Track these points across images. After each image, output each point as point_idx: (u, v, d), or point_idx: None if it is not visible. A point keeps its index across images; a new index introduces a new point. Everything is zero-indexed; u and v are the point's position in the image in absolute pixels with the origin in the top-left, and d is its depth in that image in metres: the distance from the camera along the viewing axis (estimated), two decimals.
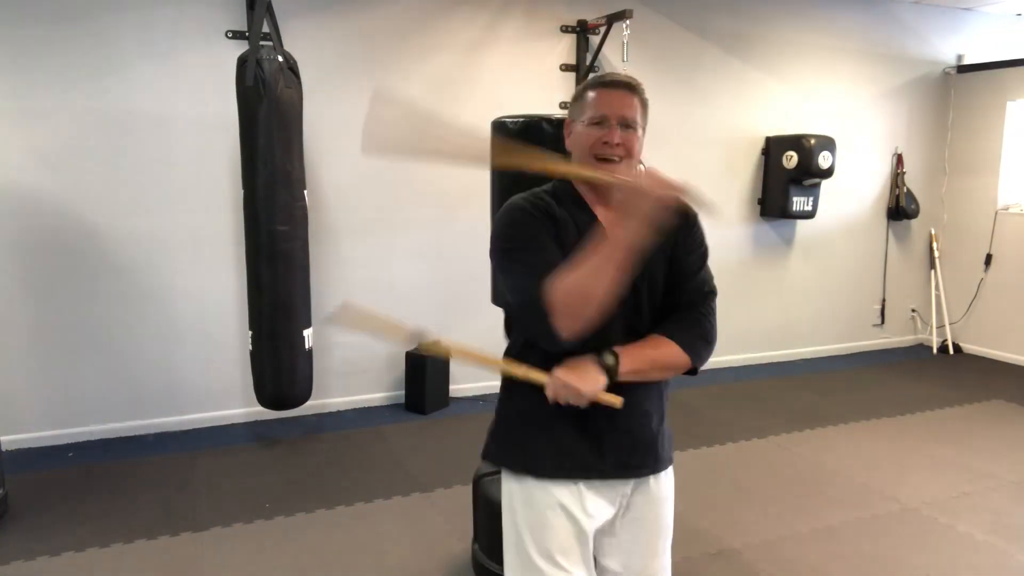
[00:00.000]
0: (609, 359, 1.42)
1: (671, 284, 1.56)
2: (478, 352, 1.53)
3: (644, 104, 1.53)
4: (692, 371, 1.54)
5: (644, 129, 1.54)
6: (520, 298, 1.45)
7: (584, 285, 1.33)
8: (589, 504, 1.53)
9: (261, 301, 3.55)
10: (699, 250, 1.59)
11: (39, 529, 2.98)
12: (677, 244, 1.56)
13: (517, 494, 1.56)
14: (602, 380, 1.40)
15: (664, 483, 1.62)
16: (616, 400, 1.42)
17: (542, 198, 1.54)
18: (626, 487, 1.57)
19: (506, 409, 1.61)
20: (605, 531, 1.58)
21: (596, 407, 1.43)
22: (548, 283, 1.35)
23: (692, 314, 1.53)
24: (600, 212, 1.53)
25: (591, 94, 1.52)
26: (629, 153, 1.49)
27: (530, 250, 1.47)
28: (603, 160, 1.48)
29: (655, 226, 1.36)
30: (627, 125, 1.48)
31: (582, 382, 1.38)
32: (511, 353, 1.56)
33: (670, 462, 1.63)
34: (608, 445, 1.53)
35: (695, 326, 1.53)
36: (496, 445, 1.62)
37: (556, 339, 1.36)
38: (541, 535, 1.51)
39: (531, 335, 1.48)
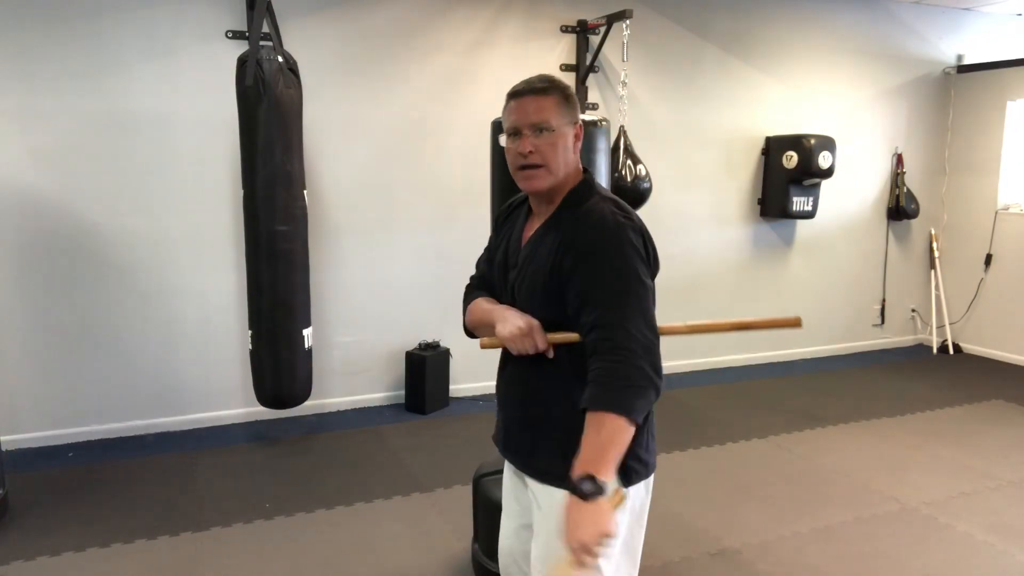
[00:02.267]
0: (591, 487, 1.32)
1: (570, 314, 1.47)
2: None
3: (563, 100, 1.49)
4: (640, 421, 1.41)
5: (573, 125, 1.51)
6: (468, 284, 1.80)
7: (475, 326, 1.67)
8: None
9: (261, 300, 3.55)
10: (594, 304, 1.41)
11: (39, 529, 2.98)
12: (564, 274, 1.46)
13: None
14: (604, 509, 1.34)
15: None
16: (620, 496, 1.41)
17: (519, 197, 1.70)
18: None
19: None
20: None
21: None
22: (470, 295, 1.73)
23: (615, 359, 1.38)
24: (537, 217, 1.60)
25: (508, 106, 1.52)
26: (545, 158, 1.47)
27: (488, 244, 1.77)
28: (524, 169, 1.48)
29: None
30: (541, 128, 1.46)
31: (598, 527, 1.33)
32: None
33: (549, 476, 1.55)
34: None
35: (627, 380, 1.36)
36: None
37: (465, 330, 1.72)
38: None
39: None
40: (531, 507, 1.65)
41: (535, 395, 1.57)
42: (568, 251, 1.45)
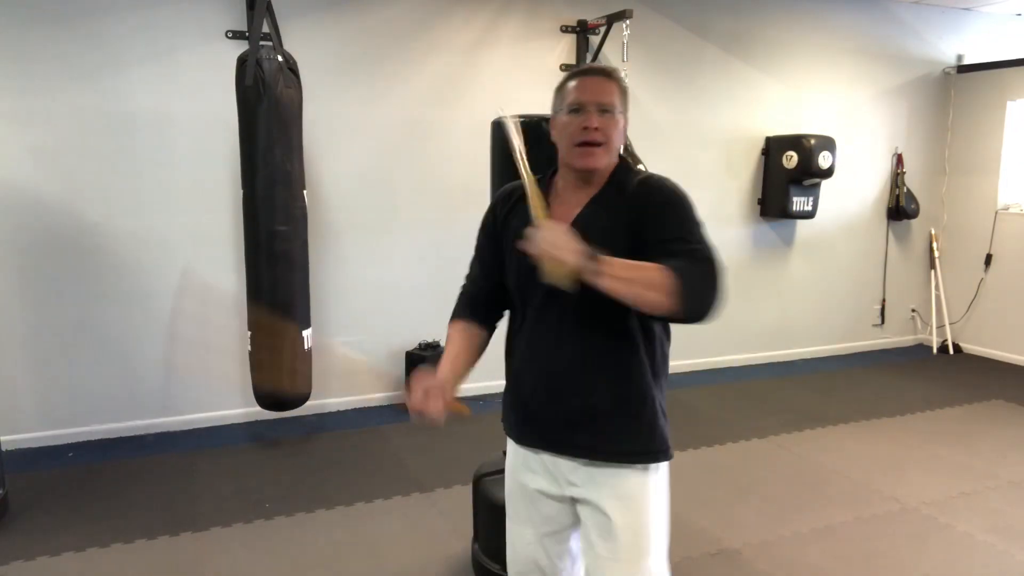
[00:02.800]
0: (595, 254, 1.36)
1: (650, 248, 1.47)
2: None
3: (623, 90, 1.54)
4: (687, 316, 1.39)
5: (625, 116, 1.55)
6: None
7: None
8: None
9: (260, 301, 3.55)
10: (677, 233, 1.46)
11: (39, 529, 2.98)
12: (643, 228, 1.49)
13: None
14: (576, 256, 1.35)
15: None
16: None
17: (514, 188, 1.65)
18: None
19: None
20: None
21: None
22: (458, 316, 1.70)
23: (694, 259, 1.42)
24: (570, 197, 1.57)
25: (570, 84, 1.54)
26: (608, 137, 1.50)
27: (476, 249, 1.72)
28: (584, 145, 1.50)
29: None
30: (605, 110, 1.50)
31: (559, 247, 1.35)
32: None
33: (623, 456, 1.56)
34: None
35: (700, 271, 1.41)
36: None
37: None
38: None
39: None
40: (564, 512, 1.62)
41: (605, 377, 1.53)
42: (644, 209, 1.49)
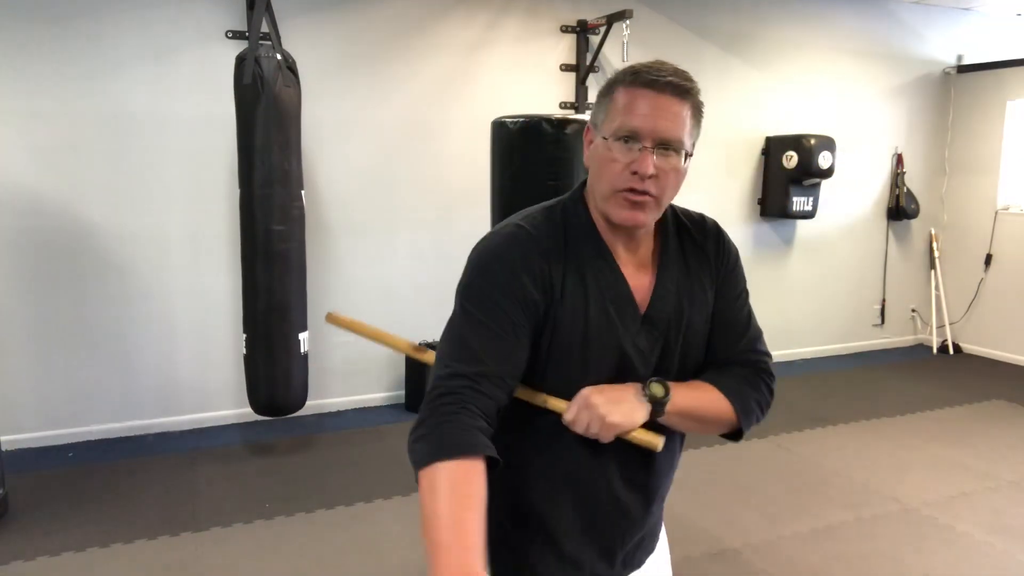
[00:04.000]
0: (657, 389, 1.11)
1: (710, 342, 1.23)
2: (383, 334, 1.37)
3: (696, 113, 1.12)
4: (735, 435, 1.22)
5: (692, 151, 1.12)
6: (432, 386, 1.06)
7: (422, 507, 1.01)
8: None
9: (256, 303, 3.53)
10: (742, 295, 1.26)
11: (39, 529, 2.98)
12: (718, 286, 1.22)
13: None
14: (642, 412, 1.10)
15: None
16: (657, 440, 1.13)
17: (537, 231, 1.13)
18: None
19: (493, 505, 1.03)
20: None
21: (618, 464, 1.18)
22: (460, 449, 0.98)
23: (748, 372, 1.21)
24: (619, 254, 1.16)
25: (622, 94, 1.08)
26: (663, 191, 1.09)
27: (489, 326, 1.07)
28: (628, 199, 1.08)
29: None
30: (667, 147, 1.07)
31: (614, 408, 1.08)
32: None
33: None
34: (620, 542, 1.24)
35: (753, 387, 1.20)
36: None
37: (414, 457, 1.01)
38: None
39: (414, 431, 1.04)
40: None
41: (669, 477, 1.29)
42: (717, 271, 1.23)
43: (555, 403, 1.12)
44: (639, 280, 1.16)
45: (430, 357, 1.19)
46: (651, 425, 1.13)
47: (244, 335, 3.62)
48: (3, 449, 3.24)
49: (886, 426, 4.30)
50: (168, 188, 3.91)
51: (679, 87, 1.07)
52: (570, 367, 1.12)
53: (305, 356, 3.70)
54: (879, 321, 6.11)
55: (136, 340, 3.97)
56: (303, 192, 3.65)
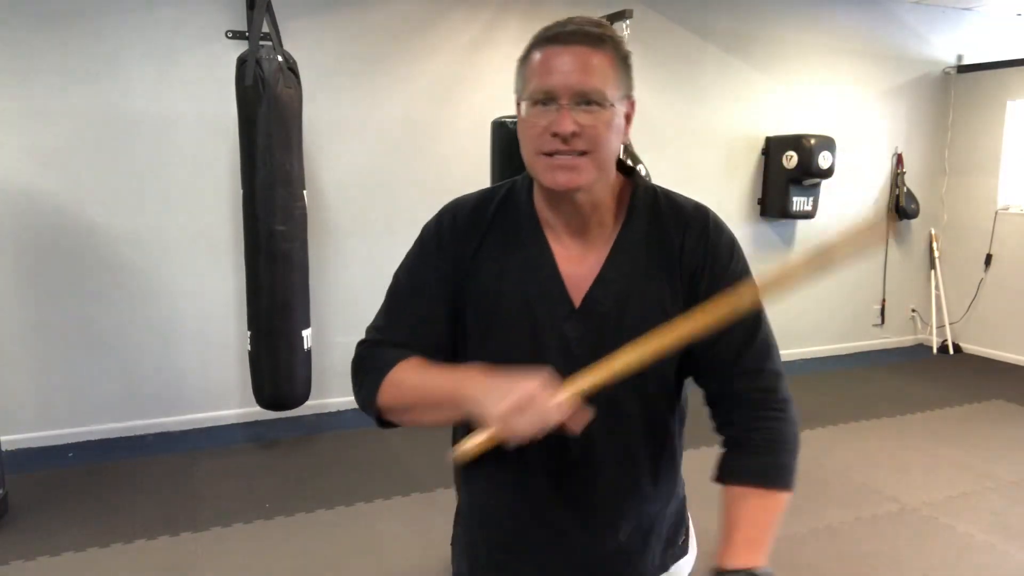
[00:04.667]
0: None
1: (705, 363, 1.10)
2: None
3: (621, 62, 1.01)
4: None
5: (630, 97, 1.03)
6: (362, 344, 1.16)
7: (412, 408, 1.06)
8: None
9: (259, 301, 3.55)
10: (759, 363, 1.13)
11: (39, 529, 2.98)
12: (703, 287, 1.07)
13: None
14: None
15: None
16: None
17: (467, 209, 1.12)
18: None
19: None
20: None
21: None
22: (396, 359, 1.07)
23: (767, 432, 1.12)
24: (553, 237, 1.08)
25: (535, 56, 1.02)
26: (594, 145, 0.98)
27: (406, 283, 1.15)
28: (552, 163, 0.98)
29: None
30: (588, 100, 0.96)
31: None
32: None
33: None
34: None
35: (780, 450, 1.13)
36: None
37: (371, 413, 1.09)
38: None
39: (354, 388, 1.13)
40: None
41: (629, 501, 1.14)
42: (696, 268, 1.08)
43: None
44: (582, 265, 1.06)
45: None
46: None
47: (248, 332, 3.62)
48: (3, 449, 3.24)
49: (886, 426, 4.30)
50: (169, 188, 3.91)
51: (590, 35, 0.99)
52: (485, 347, 1.08)
53: (308, 352, 3.71)
54: (879, 321, 6.11)
55: (135, 340, 3.97)
56: (305, 192, 3.65)
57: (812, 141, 5.14)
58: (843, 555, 2.86)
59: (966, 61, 5.98)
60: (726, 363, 1.09)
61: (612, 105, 0.99)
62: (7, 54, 3.56)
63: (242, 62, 3.40)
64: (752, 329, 1.09)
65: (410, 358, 1.08)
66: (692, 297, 1.06)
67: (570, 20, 1.01)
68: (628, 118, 1.04)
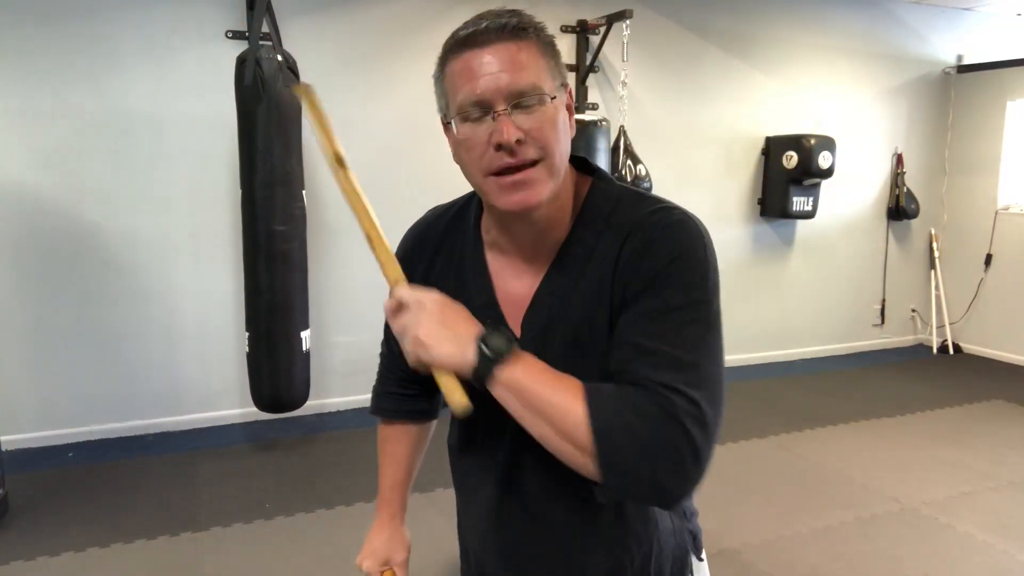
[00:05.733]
0: (498, 341, 0.85)
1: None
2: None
3: (548, 48, 0.91)
4: (608, 486, 0.83)
5: (566, 85, 0.93)
6: (381, 361, 1.34)
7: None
8: None
9: (258, 302, 3.55)
10: (676, 312, 0.85)
11: (39, 529, 2.98)
12: (633, 294, 0.89)
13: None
14: (464, 354, 0.85)
15: None
16: (461, 400, 0.87)
17: (421, 228, 1.16)
18: None
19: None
20: None
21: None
22: (383, 419, 1.34)
23: (653, 398, 0.81)
24: (497, 258, 1.01)
25: (454, 66, 0.90)
26: (545, 150, 0.88)
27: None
28: (504, 183, 0.89)
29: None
30: (522, 102, 0.87)
31: (438, 328, 0.86)
32: None
33: None
34: None
35: (642, 415, 0.80)
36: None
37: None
38: None
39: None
40: None
41: (590, 548, 1.01)
42: (628, 276, 0.90)
43: (391, 270, 0.98)
44: (524, 284, 0.98)
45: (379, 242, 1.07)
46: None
47: (247, 333, 3.62)
48: (3, 449, 3.24)
49: (886, 426, 4.30)
50: (169, 188, 3.91)
51: (509, 27, 0.87)
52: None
53: (307, 354, 3.71)
54: (879, 321, 6.11)
55: (136, 340, 3.97)
56: (304, 192, 3.65)
57: (812, 141, 5.15)
58: (843, 555, 2.86)
59: (966, 61, 5.98)
60: (625, 342, 0.88)
61: (552, 98, 0.89)
62: (7, 54, 3.56)
63: (242, 62, 3.40)
64: (676, 341, 0.85)
65: (388, 427, 1.33)
66: (622, 307, 0.90)
67: (480, 17, 0.89)
68: (569, 109, 0.94)
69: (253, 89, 3.35)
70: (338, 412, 4.43)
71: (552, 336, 0.94)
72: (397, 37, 4.28)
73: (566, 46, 4.69)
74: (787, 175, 5.24)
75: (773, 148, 5.33)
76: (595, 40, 4.69)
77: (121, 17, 3.73)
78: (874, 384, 5.18)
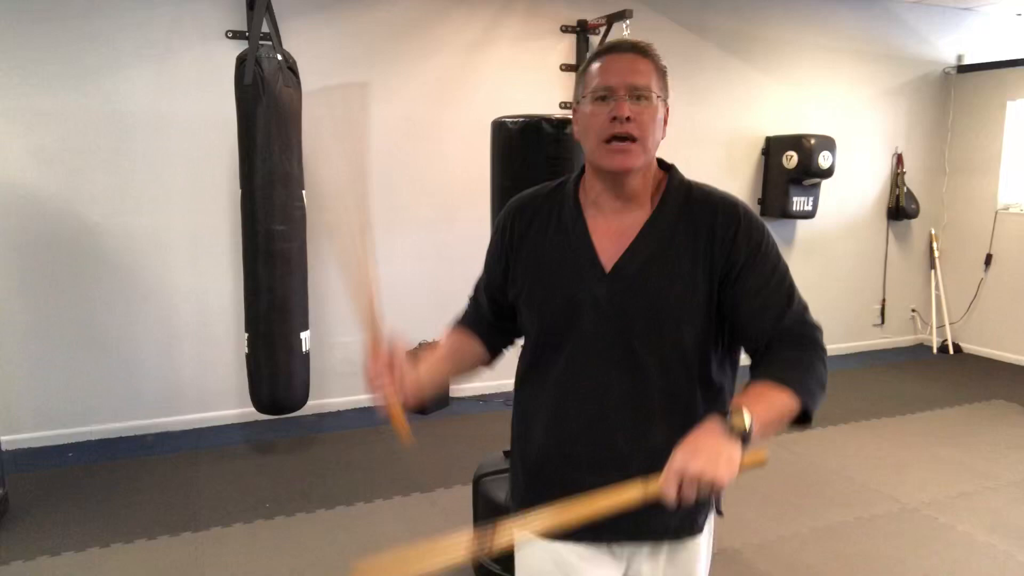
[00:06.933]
0: (739, 422, 1.09)
1: (737, 320, 1.25)
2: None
3: (661, 71, 1.26)
4: (804, 420, 1.19)
5: (666, 102, 1.27)
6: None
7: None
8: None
9: (258, 302, 3.54)
10: (777, 273, 1.26)
11: (39, 529, 2.98)
12: (730, 274, 1.24)
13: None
14: (737, 453, 1.07)
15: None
16: (762, 455, 1.12)
17: (528, 195, 1.40)
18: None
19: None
20: None
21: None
22: (457, 322, 1.48)
23: (800, 353, 1.22)
24: (593, 216, 1.31)
25: (595, 65, 1.27)
26: (644, 129, 1.22)
27: (486, 263, 1.45)
28: (615, 140, 1.21)
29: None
30: (639, 95, 1.21)
31: (713, 465, 1.04)
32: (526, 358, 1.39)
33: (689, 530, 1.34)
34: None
35: (810, 370, 1.20)
36: None
37: None
38: None
39: None
40: None
41: (639, 449, 1.26)
42: (731, 246, 1.23)
43: (630, 494, 1.12)
44: (617, 241, 1.27)
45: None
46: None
47: (246, 334, 3.62)
48: (3, 449, 3.24)
49: (886, 426, 4.30)
50: (168, 188, 3.91)
51: (638, 47, 1.26)
52: (528, 303, 1.34)
53: (307, 355, 3.70)
54: (879, 321, 6.11)
55: (136, 340, 3.97)
56: (304, 192, 3.65)
57: (812, 141, 5.15)
58: (843, 555, 2.86)
59: (966, 61, 5.98)
60: (766, 331, 1.24)
61: (656, 100, 1.23)
62: (7, 54, 3.56)
63: (241, 61, 3.40)
64: (789, 293, 1.26)
65: (458, 330, 1.48)
66: (727, 275, 1.24)
67: (621, 38, 1.31)
68: (665, 118, 1.27)
69: (253, 89, 3.35)
70: (338, 412, 4.43)
71: (651, 273, 1.25)
72: (397, 37, 4.28)
73: (566, 46, 4.69)
74: (787, 175, 5.24)
75: (773, 148, 5.33)
76: (595, 40, 4.69)
77: (121, 17, 3.73)
78: (874, 384, 5.18)
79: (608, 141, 1.22)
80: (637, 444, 1.26)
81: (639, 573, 1.33)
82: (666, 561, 1.32)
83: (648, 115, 1.22)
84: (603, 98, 1.22)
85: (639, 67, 1.23)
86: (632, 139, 1.21)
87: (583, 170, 1.34)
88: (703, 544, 1.36)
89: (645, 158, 1.24)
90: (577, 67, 4.71)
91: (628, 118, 1.20)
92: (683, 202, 1.28)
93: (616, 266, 1.26)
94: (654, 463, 1.13)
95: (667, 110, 1.27)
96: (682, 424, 1.18)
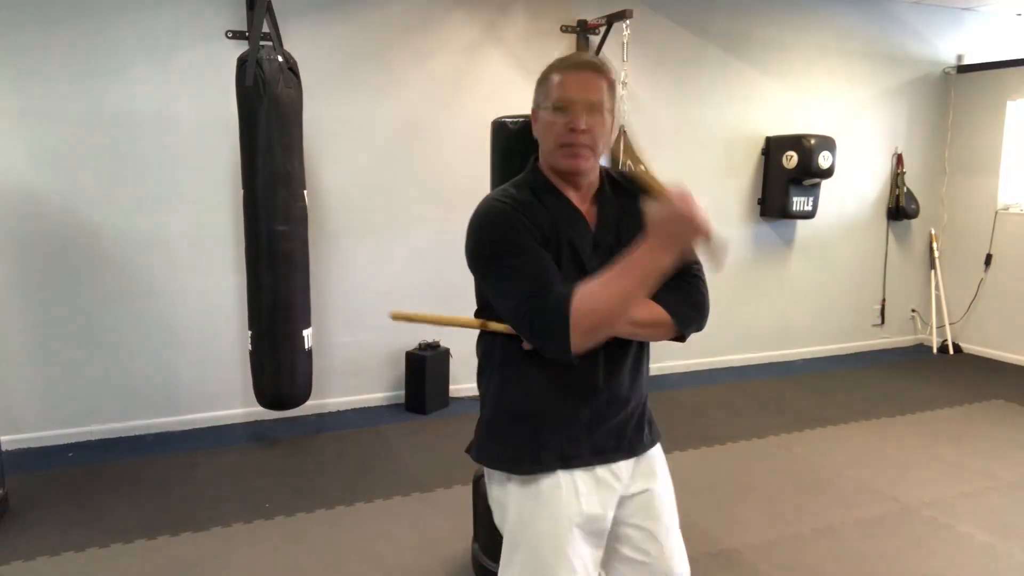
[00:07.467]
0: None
1: None
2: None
3: (612, 85, 1.47)
4: (679, 338, 1.51)
5: (613, 113, 1.49)
6: (524, 307, 1.38)
7: (612, 308, 1.34)
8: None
9: (261, 300, 3.55)
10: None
11: (39, 529, 2.98)
12: (622, 222, 1.53)
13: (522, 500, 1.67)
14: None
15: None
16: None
17: (514, 196, 1.52)
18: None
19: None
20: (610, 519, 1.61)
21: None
22: (569, 297, 1.34)
23: (680, 283, 1.50)
24: (573, 197, 1.53)
25: (555, 77, 1.47)
26: (595, 139, 1.45)
27: (523, 255, 1.41)
28: (567, 146, 1.44)
29: (680, 254, 1.37)
30: (593, 109, 1.43)
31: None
32: (490, 355, 1.61)
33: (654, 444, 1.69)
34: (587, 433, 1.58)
35: (686, 296, 1.51)
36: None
37: (566, 352, 1.36)
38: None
39: (538, 344, 1.41)
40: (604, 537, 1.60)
41: (643, 374, 1.62)
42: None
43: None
44: (588, 216, 1.53)
45: (500, 326, 1.52)
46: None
47: (250, 332, 3.63)
48: (3, 449, 3.24)
49: (886, 426, 4.30)
50: (170, 188, 3.91)
51: (594, 65, 1.47)
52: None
53: (309, 351, 3.71)
54: (879, 321, 6.11)
55: (136, 340, 3.97)
56: (305, 192, 3.65)
57: (812, 141, 5.15)
58: (843, 555, 2.86)
59: (966, 61, 5.98)
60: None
61: (607, 113, 1.46)
62: (8, 54, 3.56)
63: (242, 62, 3.40)
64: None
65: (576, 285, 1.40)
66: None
67: (579, 54, 1.55)
68: (611, 126, 1.51)
69: (254, 89, 3.36)
70: (339, 412, 4.43)
71: (622, 237, 1.49)
72: (397, 38, 4.29)
73: (566, 46, 4.70)
74: (787, 175, 5.24)
75: (773, 148, 5.33)
76: (595, 40, 4.69)
77: (122, 17, 3.73)
78: (874, 384, 5.18)
79: (565, 145, 1.45)
80: (632, 386, 1.60)
81: (624, 479, 1.60)
82: (638, 463, 1.62)
83: (599, 126, 1.45)
84: (561, 109, 1.43)
85: (595, 84, 1.44)
86: (586, 146, 1.44)
87: (535, 167, 1.56)
88: (658, 452, 1.68)
89: (594, 161, 1.49)
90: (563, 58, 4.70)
91: (584, 130, 1.42)
92: (611, 182, 1.58)
93: (596, 233, 1.52)
94: (639, 400, 1.61)
95: (614, 119, 1.51)
96: (646, 370, 1.64)
